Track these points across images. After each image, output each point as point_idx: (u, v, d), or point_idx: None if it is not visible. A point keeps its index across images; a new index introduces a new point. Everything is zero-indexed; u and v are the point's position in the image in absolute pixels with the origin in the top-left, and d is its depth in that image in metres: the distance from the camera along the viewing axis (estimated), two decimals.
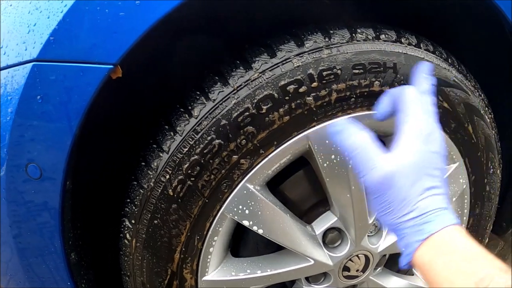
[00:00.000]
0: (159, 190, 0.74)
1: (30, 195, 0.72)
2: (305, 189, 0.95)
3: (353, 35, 0.79)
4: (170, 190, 0.73)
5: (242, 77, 0.73)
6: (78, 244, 0.83)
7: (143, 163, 0.77)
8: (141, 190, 0.76)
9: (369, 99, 0.78)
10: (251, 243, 0.94)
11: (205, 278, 0.84)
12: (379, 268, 1.05)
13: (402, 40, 0.82)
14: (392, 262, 1.16)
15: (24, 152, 0.69)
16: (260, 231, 0.80)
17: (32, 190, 0.71)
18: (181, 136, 0.73)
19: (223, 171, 0.74)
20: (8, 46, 0.67)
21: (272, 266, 0.87)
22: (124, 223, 0.80)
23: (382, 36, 0.81)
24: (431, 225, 0.55)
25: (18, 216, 0.73)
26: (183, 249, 0.78)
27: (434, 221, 0.55)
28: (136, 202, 0.77)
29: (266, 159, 0.77)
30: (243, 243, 0.94)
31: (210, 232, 0.79)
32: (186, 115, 0.74)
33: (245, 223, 0.79)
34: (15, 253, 0.77)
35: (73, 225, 0.79)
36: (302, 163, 0.87)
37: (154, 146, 0.76)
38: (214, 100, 0.73)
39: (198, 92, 0.75)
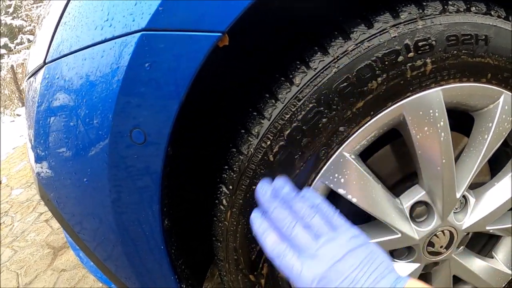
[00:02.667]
0: (259, 156, 0.76)
1: (133, 160, 0.74)
2: (393, 163, 0.95)
3: (445, 7, 0.78)
4: (271, 156, 0.75)
5: (341, 47, 0.74)
6: (172, 211, 0.86)
7: (242, 130, 0.79)
8: (240, 157, 0.78)
9: (461, 71, 0.78)
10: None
11: None
12: (462, 247, 1.04)
13: (492, 13, 0.81)
14: (474, 243, 1.15)
15: (129, 118, 0.72)
16: (354, 200, 0.81)
17: (135, 155, 0.74)
18: (282, 103, 0.75)
19: (322, 138, 0.75)
20: (114, 19, 0.71)
21: None
22: (220, 189, 0.82)
23: (473, 9, 0.80)
24: None
25: (118, 180, 0.76)
26: None
27: None
28: (234, 168, 0.79)
29: (362, 128, 0.78)
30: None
31: None
32: (288, 84, 0.75)
33: (340, 191, 0.80)
34: (111, 216, 0.80)
35: (170, 191, 0.82)
36: (390, 137, 0.88)
37: (255, 113, 0.77)
38: (315, 69, 0.74)
39: (298, 62, 0.76)
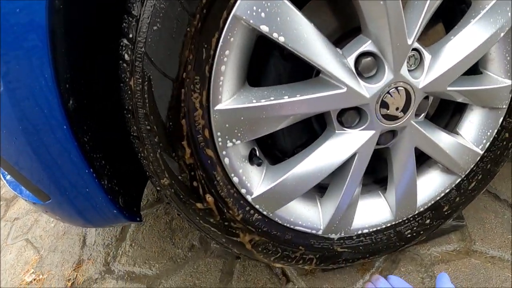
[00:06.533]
0: None
1: (16, 16, 0.61)
2: (332, 14, 0.82)
3: None
4: None
5: None
6: (78, 89, 0.72)
7: None
8: None
9: None
10: (273, 73, 0.82)
11: (218, 107, 0.72)
12: (422, 115, 0.91)
13: None
14: (436, 119, 1.03)
15: None
16: (282, 39, 0.68)
17: (16, 8, 0.61)
18: None
19: None
20: None
21: (300, 92, 0.75)
22: (121, 44, 0.68)
23: None
24: None
25: (4, 46, 0.62)
26: (188, 61, 0.66)
27: None
28: (133, 13, 0.64)
29: None
30: (263, 73, 0.81)
31: (220, 43, 0.67)
32: None
33: (264, 28, 0.66)
34: (6, 96, 0.66)
35: (68, 62, 0.69)
36: None
37: None
38: None
39: None
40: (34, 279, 1.48)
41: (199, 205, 0.80)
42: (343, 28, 0.84)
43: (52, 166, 0.77)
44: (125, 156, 0.92)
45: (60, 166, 0.77)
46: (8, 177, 1.20)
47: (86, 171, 0.79)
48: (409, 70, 0.82)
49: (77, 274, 1.43)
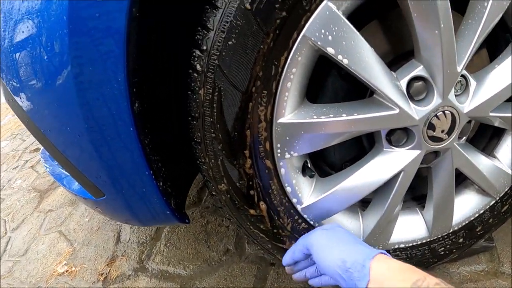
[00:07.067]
0: (236, 5, 0.66)
1: (94, 21, 0.64)
2: (383, 40, 0.87)
3: None
4: (248, 4, 0.66)
5: None
6: (144, 93, 0.77)
7: None
8: (214, 11, 0.68)
9: None
10: (330, 91, 0.87)
11: (281, 120, 0.76)
12: (464, 138, 0.95)
13: None
14: (475, 142, 1.07)
15: None
16: (345, 62, 0.72)
17: (96, 13, 0.64)
18: None
19: None
20: None
21: (357, 111, 0.79)
22: (194, 54, 0.73)
23: None
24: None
25: (80, 48, 0.66)
26: (259, 76, 0.71)
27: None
28: (208, 26, 0.70)
29: None
30: (321, 90, 0.86)
31: (288, 61, 0.72)
32: None
33: (330, 50, 0.71)
34: (75, 95, 0.70)
35: (138, 67, 0.72)
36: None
37: None
38: None
39: None
40: (66, 271, 1.51)
41: (252, 211, 0.85)
42: (395, 51, 0.88)
43: (112, 165, 0.81)
44: (176, 159, 0.97)
45: (121, 165, 0.81)
46: (51, 168, 1.25)
47: (146, 172, 0.83)
48: (455, 95, 0.86)
49: (110, 269, 1.46)
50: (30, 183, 2.14)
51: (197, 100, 0.75)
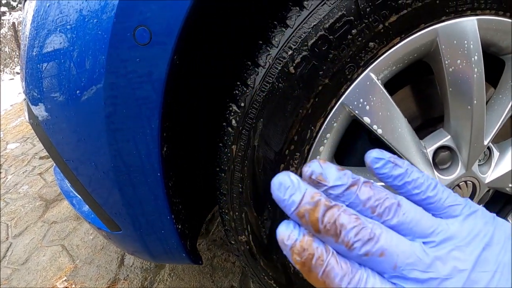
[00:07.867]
0: (279, 68, 0.68)
1: (134, 64, 0.65)
2: (414, 106, 0.88)
3: None
4: (292, 68, 0.67)
5: None
6: (173, 137, 0.78)
7: (260, 41, 0.71)
8: (256, 69, 0.70)
9: (498, 1, 0.72)
10: (359, 154, 0.88)
11: None
12: (482, 205, 0.96)
13: None
14: (491, 207, 1.08)
15: (134, 14, 0.62)
16: (380, 131, 0.73)
17: (137, 58, 0.64)
18: (308, 10, 0.66)
19: (350, 52, 0.67)
20: None
21: None
22: (230, 108, 0.74)
23: None
24: None
25: (116, 89, 0.66)
26: (294, 139, 0.72)
27: None
28: (249, 83, 0.71)
29: (392, 49, 0.70)
30: (350, 152, 0.87)
31: (324, 126, 0.73)
32: None
33: (366, 120, 0.72)
34: (104, 134, 0.70)
35: (171, 112, 0.73)
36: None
37: (275, 22, 0.70)
38: None
39: None
40: (66, 287, 1.51)
41: (270, 264, 0.85)
42: (424, 116, 0.90)
43: (134, 205, 0.81)
44: (196, 202, 0.97)
45: (144, 206, 0.81)
46: (59, 183, 1.24)
47: (168, 216, 0.82)
48: (478, 165, 0.87)
49: None
50: (37, 190, 2.14)
51: (229, 154, 0.76)
